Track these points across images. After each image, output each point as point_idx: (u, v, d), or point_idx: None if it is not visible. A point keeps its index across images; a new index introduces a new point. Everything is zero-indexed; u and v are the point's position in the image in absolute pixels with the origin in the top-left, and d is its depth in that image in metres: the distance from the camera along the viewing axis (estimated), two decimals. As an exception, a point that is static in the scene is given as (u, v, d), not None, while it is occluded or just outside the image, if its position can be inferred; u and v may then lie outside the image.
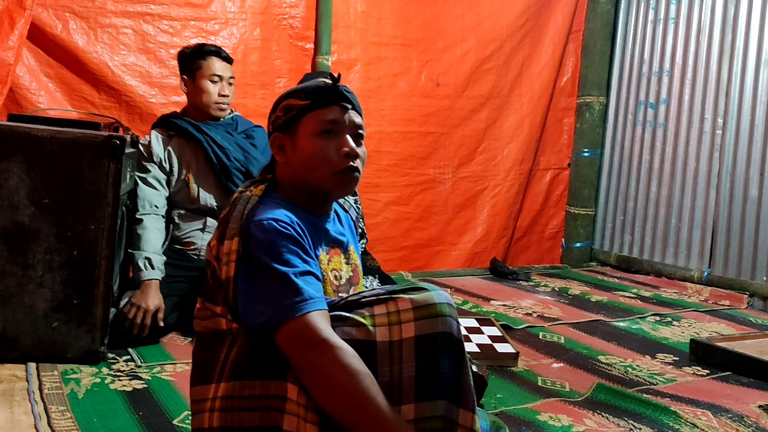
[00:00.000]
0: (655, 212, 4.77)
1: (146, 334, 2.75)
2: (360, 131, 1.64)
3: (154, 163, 3.06)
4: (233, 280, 1.45)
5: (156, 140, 3.09)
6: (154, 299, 2.76)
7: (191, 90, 3.11)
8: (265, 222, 1.46)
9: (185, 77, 3.11)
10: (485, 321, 3.11)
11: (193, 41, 3.61)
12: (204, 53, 3.07)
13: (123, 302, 2.77)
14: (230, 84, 3.12)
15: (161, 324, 2.77)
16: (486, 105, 4.70)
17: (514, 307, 3.71)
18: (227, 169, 3.04)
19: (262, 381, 1.43)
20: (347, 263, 1.71)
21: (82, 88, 3.50)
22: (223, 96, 3.09)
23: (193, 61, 3.08)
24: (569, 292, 4.13)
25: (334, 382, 1.36)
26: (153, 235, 2.92)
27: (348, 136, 1.60)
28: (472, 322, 3.06)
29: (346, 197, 1.81)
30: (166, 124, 3.14)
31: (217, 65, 3.07)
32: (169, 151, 3.09)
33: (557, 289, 4.22)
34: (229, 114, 3.23)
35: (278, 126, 1.64)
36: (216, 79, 3.07)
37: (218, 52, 3.09)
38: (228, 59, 3.12)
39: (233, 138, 3.13)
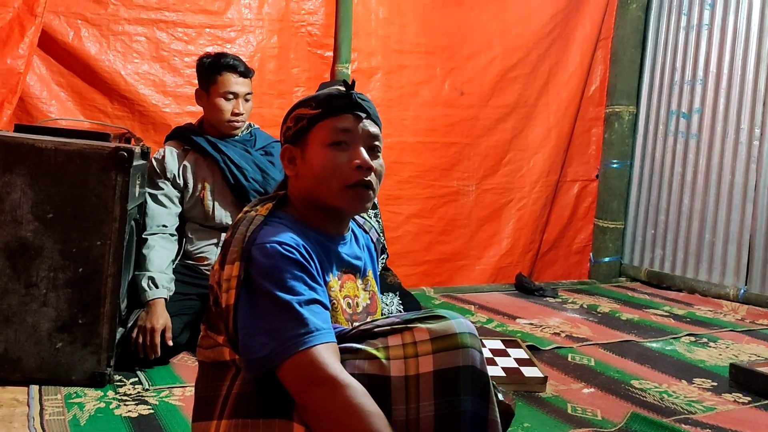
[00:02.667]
0: (688, 226, 4.60)
1: (158, 356, 2.63)
2: (376, 142, 1.50)
3: (167, 179, 2.95)
4: (233, 309, 1.33)
5: (170, 155, 2.98)
6: (159, 318, 2.64)
7: (205, 105, 2.99)
8: (267, 245, 1.33)
9: (200, 90, 2.99)
10: (511, 342, 2.96)
11: (209, 49, 3.52)
12: (220, 68, 2.93)
13: (130, 323, 2.66)
14: (247, 100, 2.99)
15: (170, 343, 2.65)
16: (512, 115, 4.56)
17: (541, 326, 3.56)
18: (245, 190, 2.92)
19: (266, 419, 1.31)
20: (365, 290, 1.57)
21: (95, 98, 3.41)
22: (237, 114, 2.96)
23: (208, 75, 2.95)
24: (598, 310, 3.97)
25: (342, 424, 1.23)
26: (157, 254, 2.80)
27: (361, 148, 1.46)
28: (498, 344, 2.92)
29: (366, 212, 1.67)
30: (181, 137, 3.03)
31: (232, 82, 2.93)
32: (184, 165, 2.98)
33: (586, 307, 4.06)
34: (247, 129, 3.11)
35: (289, 137, 1.52)
36: (230, 96, 2.93)
37: (235, 67, 2.93)
38: (246, 73, 2.97)
39: (251, 156, 3.01)
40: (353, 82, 1.51)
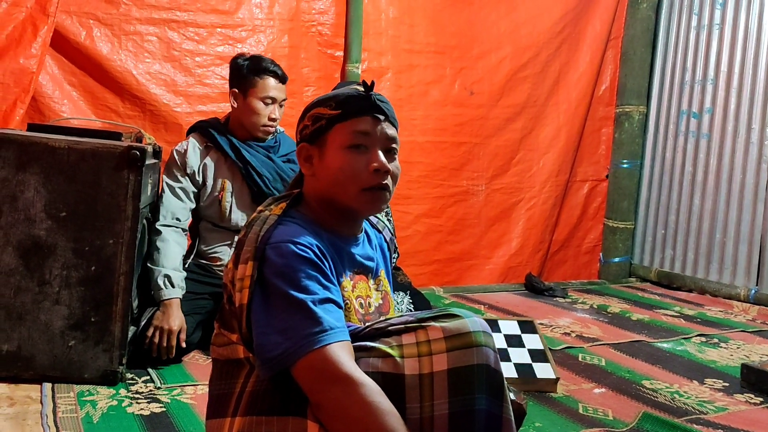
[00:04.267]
0: (698, 226, 4.58)
1: (172, 357, 2.64)
2: (393, 145, 1.50)
3: (187, 174, 2.93)
4: (247, 308, 1.33)
5: (193, 150, 2.95)
6: (176, 319, 2.65)
7: (240, 106, 2.94)
8: (282, 244, 1.34)
9: (236, 91, 2.94)
10: (527, 326, 2.86)
11: (220, 49, 3.53)
12: (260, 71, 2.89)
13: (143, 322, 2.67)
14: (281, 106, 2.97)
15: (183, 345, 2.66)
16: (521, 114, 4.56)
17: (551, 325, 3.55)
18: (264, 196, 2.91)
19: (280, 417, 1.32)
20: (377, 290, 1.57)
21: (106, 97, 3.42)
22: (273, 120, 2.94)
23: (247, 77, 2.91)
24: (608, 310, 3.96)
25: (357, 422, 1.23)
26: (172, 249, 2.79)
27: (379, 151, 1.46)
28: (514, 327, 2.83)
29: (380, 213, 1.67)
30: (205, 133, 2.99)
31: (272, 86, 2.90)
32: (205, 163, 2.96)
33: (596, 307, 4.05)
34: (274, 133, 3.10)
35: (306, 136, 1.51)
36: (269, 101, 2.91)
37: (275, 72, 2.91)
38: (284, 79, 2.95)
39: (273, 165, 2.98)
40: (372, 83, 1.50)
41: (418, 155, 4.25)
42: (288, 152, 3.08)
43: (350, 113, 1.46)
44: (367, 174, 1.44)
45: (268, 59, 2.96)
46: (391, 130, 1.49)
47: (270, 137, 3.04)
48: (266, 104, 2.91)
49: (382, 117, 1.48)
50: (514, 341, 2.76)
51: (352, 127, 1.46)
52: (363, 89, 1.49)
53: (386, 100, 1.52)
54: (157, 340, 2.61)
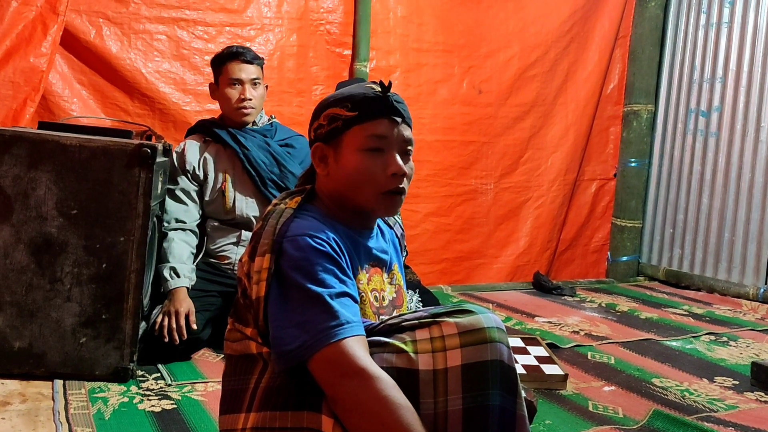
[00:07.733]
0: (707, 225, 4.57)
1: (185, 338, 2.64)
2: (409, 147, 1.49)
3: (186, 173, 2.97)
4: (263, 301, 1.34)
5: (190, 147, 3.00)
6: (183, 303, 2.68)
7: (218, 98, 3.02)
8: (299, 238, 1.34)
9: (212, 85, 3.04)
10: (531, 340, 2.96)
11: (229, 47, 3.54)
12: (224, 58, 2.97)
13: (153, 316, 2.68)
14: (255, 85, 2.98)
15: (194, 327, 2.67)
16: (530, 113, 4.56)
17: (560, 324, 3.55)
18: (263, 180, 2.94)
19: (295, 412, 1.32)
20: (390, 283, 1.58)
21: (116, 96, 3.43)
22: (245, 100, 2.95)
23: (215, 68, 3.01)
24: (617, 309, 3.95)
25: (372, 415, 1.24)
26: (178, 246, 2.84)
27: (396, 154, 1.46)
28: (518, 342, 2.91)
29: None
30: (202, 129, 3.06)
31: (235, 69, 2.94)
32: (205, 158, 3.00)
33: (604, 305, 4.04)
34: (268, 120, 3.12)
35: (321, 135, 1.50)
36: (236, 83, 2.95)
37: (237, 55, 2.95)
38: (250, 60, 2.97)
39: (269, 148, 3.01)
40: (390, 83, 1.49)
41: (427, 154, 4.25)
42: (284, 137, 3.11)
43: (367, 115, 1.45)
44: (385, 178, 1.44)
45: (238, 45, 3.04)
46: (407, 132, 1.49)
47: (264, 123, 3.09)
48: (234, 86, 2.95)
49: (399, 119, 1.47)
50: (519, 351, 2.82)
51: (370, 131, 1.45)
52: (379, 89, 1.47)
53: (402, 100, 1.51)
54: (166, 323, 2.63)
